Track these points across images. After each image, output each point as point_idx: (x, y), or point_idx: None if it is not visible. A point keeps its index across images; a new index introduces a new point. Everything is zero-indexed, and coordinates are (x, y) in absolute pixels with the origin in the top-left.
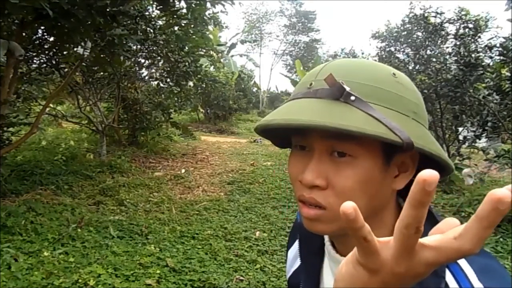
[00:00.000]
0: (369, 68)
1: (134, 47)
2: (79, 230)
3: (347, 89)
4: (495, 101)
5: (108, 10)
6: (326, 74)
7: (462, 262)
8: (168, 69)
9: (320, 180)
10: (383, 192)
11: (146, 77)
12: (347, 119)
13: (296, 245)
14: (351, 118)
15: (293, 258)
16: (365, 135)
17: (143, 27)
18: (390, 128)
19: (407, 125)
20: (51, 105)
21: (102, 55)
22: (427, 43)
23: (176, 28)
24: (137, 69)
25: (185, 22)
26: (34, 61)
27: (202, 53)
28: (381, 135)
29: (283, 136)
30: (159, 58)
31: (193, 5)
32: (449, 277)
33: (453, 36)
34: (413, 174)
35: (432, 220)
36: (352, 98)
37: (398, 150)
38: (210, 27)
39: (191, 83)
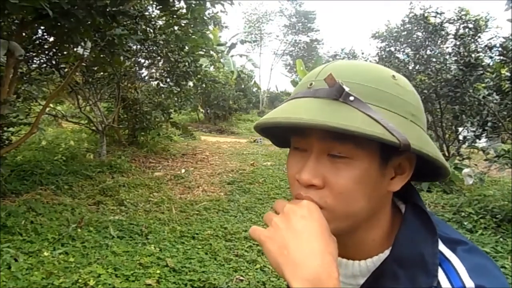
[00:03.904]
0: (369, 69)
1: (134, 47)
2: (79, 230)
3: (346, 89)
4: (495, 101)
5: (108, 10)
6: (327, 75)
7: (455, 260)
8: (168, 69)
9: (317, 180)
10: (380, 193)
11: (146, 77)
12: (346, 119)
13: None
14: (350, 118)
15: None
16: (363, 135)
17: (143, 27)
18: (387, 129)
19: (405, 126)
20: (51, 105)
21: (102, 55)
22: (427, 43)
23: (176, 28)
24: (137, 69)
25: (185, 22)
26: (34, 61)
27: (202, 53)
28: (378, 136)
29: (282, 136)
30: (159, 58)
31: (193, 5)
32: (441, 276)
33: (453, 36)
34: (410, 176)
35: (430, 232)
36: (351, 98)
37: (395, 152)
38: (210, 27)
39: (191, 83)
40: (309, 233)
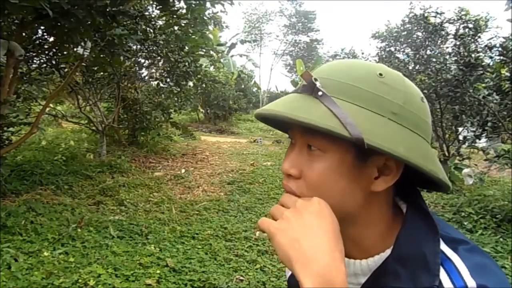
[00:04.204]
0: (352, 67)
1: (134, 47)
2: (79, 230)
3: (317, 84)
4: (495, 101)
5: (108, 10)
6: (317, 72)
7: (456, 260)
8: (168, 69)
9: (293, 170)
10: (360, 191)
11: (146, 77)
12: (306, 111)
13: None
14: (310, 111)
15: None
16: (313, 127)
17: (143, 27)
18: (343, 122)
19: (376, 124)
20: (51, 105)
21: (102, 55)
22: (427, 43)
23: (176, 28)
24: (137, 69)
25: (185, 22)
26: (34, 61)
27: (202, 53)
28: (327, 128)
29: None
30: (159, 58)
31: (193, 5)
32: (443, 275)
33: (453, 36)
34: (396, 178)
35: (432, 231)
36: (320, 93)
37: (376, 150)
38: (210, 27)
39: (191, 83)
40: (321, 229)
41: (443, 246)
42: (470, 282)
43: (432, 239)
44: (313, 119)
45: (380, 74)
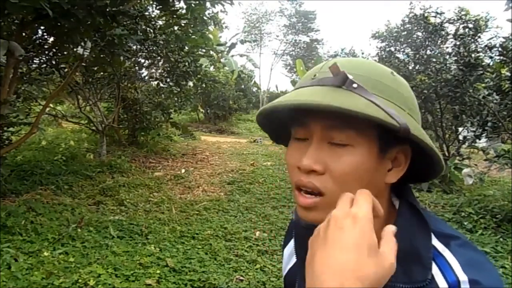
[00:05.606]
0: (371, 64)
1: (134, 47)
2: (79, 230)
3: (350, 77)
4: (495, 101)
5: (108, 10)
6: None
7: (448, 255)
8: (168, 69)
9: (318, 165)
10: (377, 183)
11: (146, 77)
12: (350, 103)
13: (292, 242)
14: (353, 102)
15: (289, 256)
16: (367, 117)
17: (143, 27)
18: (388, 114)
19: (403, 116)
20: (51, 105)
21: (102, 55)
22: (427, 43)
23: (176, 28)
24: (137, 69)
25: (184, 22)
26: (34, 61)
27: (202, 53)
28: (381, 118)
29: (280, 129)
30: (159, 58)
31: (193, 5)
32: (435, 271)
33: (453, 36)
34: (405, 169)
35: (423, 226)
36: (355, 85)
37: (392, 142)
38: (210, 27)
39: (191, 83)
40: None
41: (435, 241)
42: (462, 276)
43: (424, 234)
44: (365, 110)
45: (392, 73)
